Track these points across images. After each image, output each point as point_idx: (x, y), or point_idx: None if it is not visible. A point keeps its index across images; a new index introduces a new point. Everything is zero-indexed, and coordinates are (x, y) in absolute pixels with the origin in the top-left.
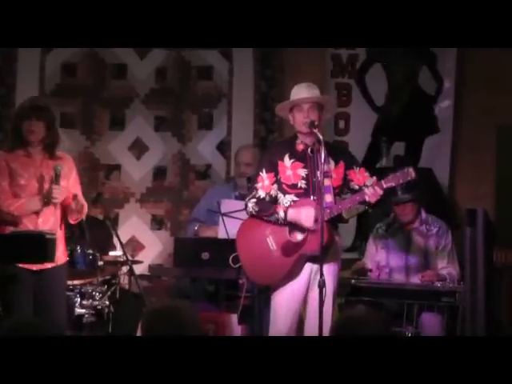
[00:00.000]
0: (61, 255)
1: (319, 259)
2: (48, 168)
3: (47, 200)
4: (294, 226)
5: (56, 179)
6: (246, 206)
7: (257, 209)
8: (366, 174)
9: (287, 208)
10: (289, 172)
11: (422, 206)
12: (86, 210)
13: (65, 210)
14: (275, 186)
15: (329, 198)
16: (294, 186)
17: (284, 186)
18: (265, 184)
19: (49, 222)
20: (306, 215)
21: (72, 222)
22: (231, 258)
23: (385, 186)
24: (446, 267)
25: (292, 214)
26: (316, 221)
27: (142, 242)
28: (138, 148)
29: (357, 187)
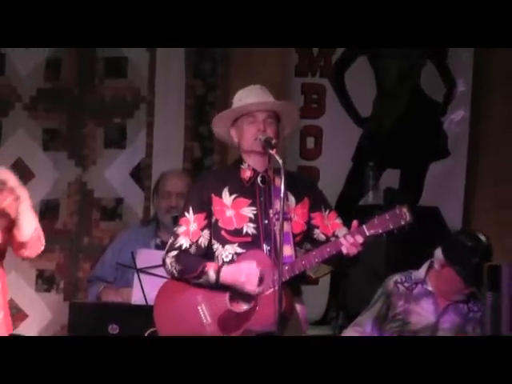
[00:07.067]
0: None
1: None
2: None
3: None
4: (237, 291)
5: None
6: (164, 262)
7: (178, 267)
8: (338, 220)
9: (220, 266)
10: (229, 212)
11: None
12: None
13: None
14: (206, 232)
15: (287, 250)
16: (237, 233)
17: (223, 232)
18: (190, 229)
19: None
20: (247, 274)
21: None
22: (147, 334)
23: (367, 233)
24: None
25: (227, 275)
26: (261, 282)
27: (24, 309)
28: (19, 174)
29: (322, 237)
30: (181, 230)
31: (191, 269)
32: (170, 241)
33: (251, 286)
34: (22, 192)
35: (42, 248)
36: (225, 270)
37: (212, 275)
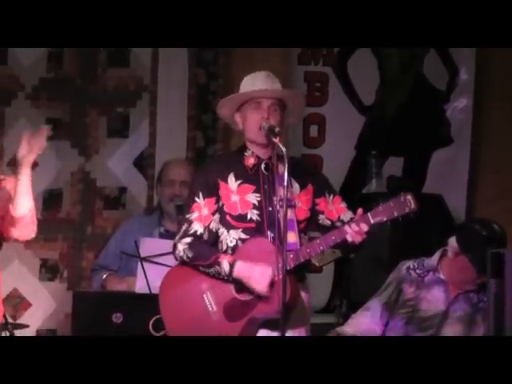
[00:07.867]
0: None
1: (279, 325)
2: None
3: None
4: (246, 287)
5: None
6: (175, 248)
7: (191, 254)
8: (343, 205)
9: (234, 259)
10: (234, 198)
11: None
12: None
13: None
14: (217, 216)
15: (292, 237)
16: (241, 218)
17: (228, 217)
18: (203, 214)
19: None
20: (259, 275)
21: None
22: (151, 322)
23: (372, 220)
24: None
25: (241, 271)
26: (272, 285)
27: (28, 298)
28: None
29: (328, 222)
30: (194, 215)
31: (204, 256)
32: (184, 227)
33: (261, 286)
34: (23, 174)
35: (33, 235)
36: (240, 263)
37: (225, 266)
